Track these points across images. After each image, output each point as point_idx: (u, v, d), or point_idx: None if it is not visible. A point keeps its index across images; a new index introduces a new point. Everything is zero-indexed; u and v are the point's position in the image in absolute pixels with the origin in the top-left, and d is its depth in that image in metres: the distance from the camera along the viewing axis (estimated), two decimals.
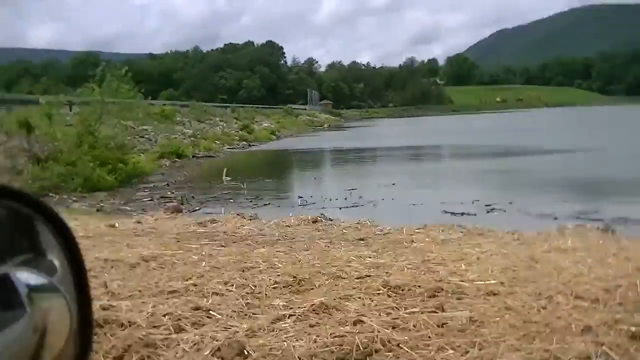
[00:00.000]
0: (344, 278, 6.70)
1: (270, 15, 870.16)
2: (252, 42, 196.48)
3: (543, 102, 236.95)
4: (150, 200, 19.69)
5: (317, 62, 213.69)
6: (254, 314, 5.55)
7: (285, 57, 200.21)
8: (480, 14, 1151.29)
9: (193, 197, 19.73)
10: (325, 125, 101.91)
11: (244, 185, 22.26)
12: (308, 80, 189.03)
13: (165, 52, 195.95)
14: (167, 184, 23.80)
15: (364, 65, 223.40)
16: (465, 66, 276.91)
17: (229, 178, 24.29)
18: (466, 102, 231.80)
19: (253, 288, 6.29)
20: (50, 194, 20.02)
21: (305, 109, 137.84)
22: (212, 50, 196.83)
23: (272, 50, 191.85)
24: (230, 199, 19.52)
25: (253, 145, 49.24)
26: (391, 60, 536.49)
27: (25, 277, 0.90)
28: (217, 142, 44.30)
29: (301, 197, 18.75)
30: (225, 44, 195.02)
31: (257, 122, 71.05)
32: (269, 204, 18.12)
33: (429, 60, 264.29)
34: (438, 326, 5.01)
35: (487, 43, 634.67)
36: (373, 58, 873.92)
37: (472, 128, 71.75)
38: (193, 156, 35.12)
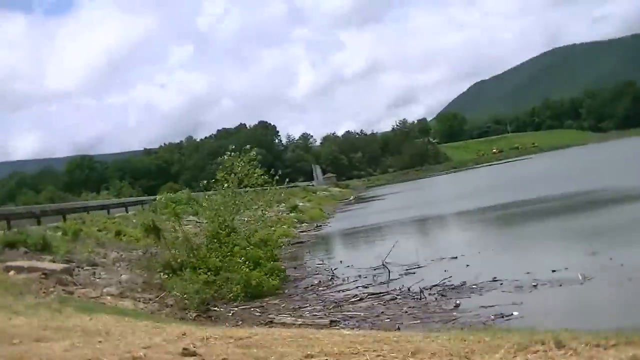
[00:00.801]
0: None
1: (248, 96, 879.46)
2: (245, 125, 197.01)
3: (538, 148, 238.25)
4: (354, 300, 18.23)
5: (311, 136, 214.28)
6: None
7: (279, 135, 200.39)
8: (454, 69, 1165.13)
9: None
10: (351, 198, 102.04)
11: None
12: (306, 156, 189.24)
13: (159, 146, 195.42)
14: (332, 279, 22.20)
15: (357, 133, 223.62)
16: (455, 122, 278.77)
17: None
18: (463, 158, 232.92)
19: None
20: (214, 308, 18.41)
21: (313, 185, 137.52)
22: (205, 137, 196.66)
23: (266, 130, 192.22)
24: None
25: (320, 225, 48.16)
26: (373, 126, 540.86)
27: None
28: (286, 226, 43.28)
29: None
30: (218, 130, 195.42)
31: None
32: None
33: (418, 120, 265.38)
34: None
35: (467, 96, 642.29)
36: (355, 126, 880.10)
37: (497, 183, 70.90)
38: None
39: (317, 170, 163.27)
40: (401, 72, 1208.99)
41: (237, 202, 25.07)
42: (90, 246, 23.13)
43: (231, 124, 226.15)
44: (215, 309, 18.41)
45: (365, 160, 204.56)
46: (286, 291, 20.78)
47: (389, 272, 21.19)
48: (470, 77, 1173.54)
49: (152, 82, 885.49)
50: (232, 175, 25.36)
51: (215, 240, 22.33)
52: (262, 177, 26.48)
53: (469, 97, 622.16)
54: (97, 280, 18.38)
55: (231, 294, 19.28)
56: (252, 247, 22.31)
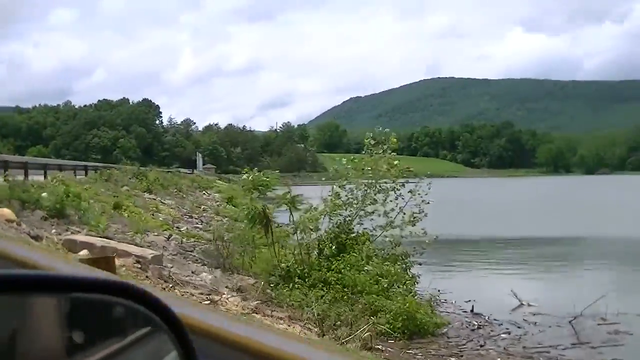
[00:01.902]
0: None
1: (125, 71, 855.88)
2: (128, 100, 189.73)
3: (413, 173, 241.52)
4: None
5: (194, 123, 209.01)
6: None
7: (161, 116, 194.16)
8: (333, 82, 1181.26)
9: None
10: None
11: None
12: (185, 143, 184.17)
13: (33, 106, 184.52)
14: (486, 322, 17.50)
15: (239, 128, 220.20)
16: (336, 132, 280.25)
17: None
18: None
19: None
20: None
21: (193, 173, 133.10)
22: (85, 105, 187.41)
23: (148, 109, 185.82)
24: None
25: None
26: (243, 123, 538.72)
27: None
28: None
29: None
30: (99, 100, 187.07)
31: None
32: None
33: (299, 125, 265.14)
34: None
35: (340, 109, 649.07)
36: (225, 120, 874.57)
37: None
38: None
39: (200, 159, 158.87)
40: (280, 74, 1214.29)
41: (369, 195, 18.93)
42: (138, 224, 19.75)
43: (103, 95, 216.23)
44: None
45: (243, 156, 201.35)
46: (444, 331, 16.04)
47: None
48: (347, 92, 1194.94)
49: (25, 39, 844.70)
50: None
51: (332, 244, 17.86)
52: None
53: (343, 111, 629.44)
54: (179, 275, 14.55)
55: (384, 327, 14.42)
56: (388, 261, 17.66)
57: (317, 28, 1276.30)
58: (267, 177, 19.39)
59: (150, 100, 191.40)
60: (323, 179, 30.00)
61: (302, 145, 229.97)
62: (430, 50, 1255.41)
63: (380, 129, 22.01)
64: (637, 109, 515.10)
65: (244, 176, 20.27)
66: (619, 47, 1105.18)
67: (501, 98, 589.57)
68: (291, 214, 18.67)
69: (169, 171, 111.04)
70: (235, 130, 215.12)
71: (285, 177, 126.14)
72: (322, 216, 18.78)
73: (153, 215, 28.10)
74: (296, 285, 15.93)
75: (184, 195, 48.68)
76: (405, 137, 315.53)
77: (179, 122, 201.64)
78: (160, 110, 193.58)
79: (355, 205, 19.10)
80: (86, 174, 42.83)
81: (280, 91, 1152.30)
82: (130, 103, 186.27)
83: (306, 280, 16.44)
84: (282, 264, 17.13)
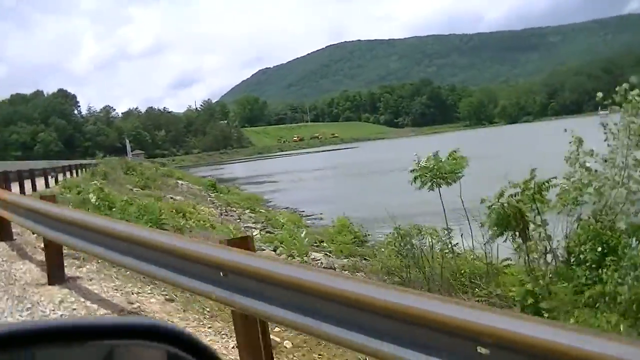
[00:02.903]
0: None
1: (22, 62, 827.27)
2: (42, 92, 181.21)
3: (338, 138, 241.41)
4: None
5: (114, 109, 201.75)
6: None
7: (79, 106, 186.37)
8: (240, 55, 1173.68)
9: None
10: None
11: None
12: (107, 130, 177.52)
13: None
14: None
15: (160, 110, 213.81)
16: (256, 106, 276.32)
17: None
18: (265, 143, 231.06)
19: None
20: None
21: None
22: None
23: (65, 99, 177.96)
24: None
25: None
26: (154, 104, 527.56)
27: None
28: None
29: None
30: (11, 95, 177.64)
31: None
32: None
33: (217, 101, 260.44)
34: None
35: (250, 83, 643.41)
36: (136, 103, 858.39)
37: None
38: None
39: (129, 146, 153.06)
40: (186, 53, 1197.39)
41: None
42: None
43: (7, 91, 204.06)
44: None
45: (168, 139, 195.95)
46: None
47: None
48: (255, 64, 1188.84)
49: None
50: None
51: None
52: None
53: (253, 84, 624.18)
54: None
55: None
56: None
57: (219, 3, 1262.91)
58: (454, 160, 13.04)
59: (66, 91, 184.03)
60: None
61: (225, 122, 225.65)
62: (334, 15, 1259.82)
63: None
64: (542, 56, 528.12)
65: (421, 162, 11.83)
66: None
67: (409, 57, 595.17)
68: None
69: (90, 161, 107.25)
70: (156, 112, 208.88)
71: (213, 155, 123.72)
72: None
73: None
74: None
75: (180, 190, 44.99)
76: (325, 103, 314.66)
77: (98, 110, 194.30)
78: (78, 99, 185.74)
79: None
80: (70, 175, 39.16)
81: (187, 70, 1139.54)
82: (45, 95, 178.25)
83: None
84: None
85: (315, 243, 18.03)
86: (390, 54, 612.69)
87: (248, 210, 29.84)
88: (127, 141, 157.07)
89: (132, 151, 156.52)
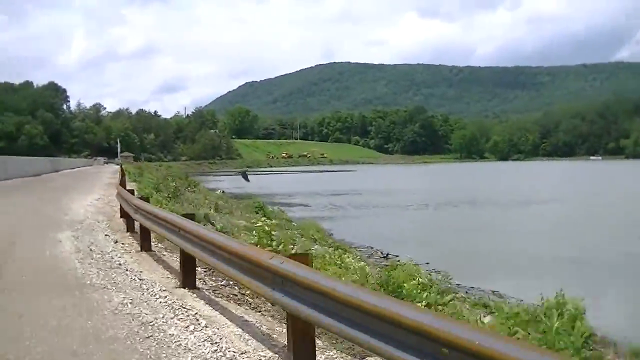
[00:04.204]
0: None
1: (9, 55, 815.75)
2: (32, 83, 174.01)
3: (328, 159, 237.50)
4: None
5: (104, 107, 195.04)
6: None
7: (69, 101, 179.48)
8: (228, 66, 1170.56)
9: None
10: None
11: None
12: (95, 129, 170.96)
13: None
14: None
15: (151, 113, 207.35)
16: (247, 118, 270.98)
17: None
18: (254, 157, 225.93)
19: None
20: None
21: (115, 162, 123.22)
22: None
23: (55, 93, 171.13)
24: None
25: None
26: (138, 107, 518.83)
27: None
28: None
29: None
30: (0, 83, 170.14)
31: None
32: None
33: (208, 110, 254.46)
34: None
35: (236, 94, 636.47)
36: (120, 104, 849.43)
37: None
38: None
39: (119, 147, 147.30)
40: (175, 58, 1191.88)
41: None
42: None
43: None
44: None
45: (157, 143, 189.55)
46: None
47: None
48: (243, 76, 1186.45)
49: None
50: None
51: None
52: None
53: (239, 95, 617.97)
54: None
55: None
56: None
57: (213, 11, 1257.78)
58: None
59: (57, 84, 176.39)
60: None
61: (215, 131, 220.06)
62: (325, 35, 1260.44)
63: None
64: (530, 95, 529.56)
65: None
66: (511, 33, 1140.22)
67: (397, 83, 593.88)
68: None
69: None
70: (147, 115, 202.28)
71: (202, 164, 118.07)
72: None
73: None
74: None
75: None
76: (316, 122, 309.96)
77: (87, 107, 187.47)
78: (68, 94, 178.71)
79: None
80: None
81: (174, 75, 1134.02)
82: (35, 87, 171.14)
83: None
84: None
85: None
86: (379, 78, 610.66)
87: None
88: (118, 142, 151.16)
89: (121, 152, 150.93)
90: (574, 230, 35.49)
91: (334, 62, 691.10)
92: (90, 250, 12.71)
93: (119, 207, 22.88)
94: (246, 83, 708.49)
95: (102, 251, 12.57)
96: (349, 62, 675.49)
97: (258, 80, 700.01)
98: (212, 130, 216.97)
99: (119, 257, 12.01)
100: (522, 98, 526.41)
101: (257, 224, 14.55)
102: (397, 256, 24.99)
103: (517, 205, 51.79)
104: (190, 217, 10.00)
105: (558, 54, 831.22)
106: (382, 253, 26.55)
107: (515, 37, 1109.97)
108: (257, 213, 32.38)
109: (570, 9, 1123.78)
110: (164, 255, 12.58)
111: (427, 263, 22.09)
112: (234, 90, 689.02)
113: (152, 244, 13.02)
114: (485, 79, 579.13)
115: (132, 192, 17.02)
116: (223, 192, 50.39)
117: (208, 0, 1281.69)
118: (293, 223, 30.91)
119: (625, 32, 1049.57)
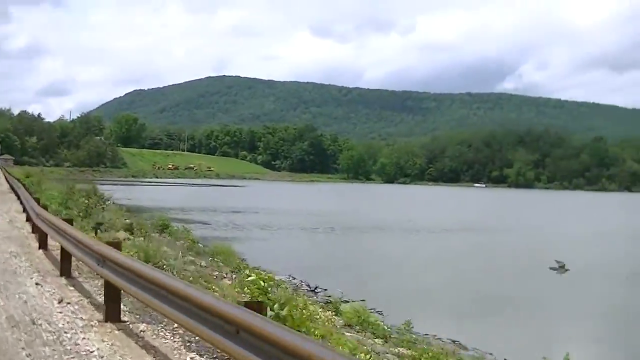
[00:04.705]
0: None
1: None
2: None
3: (214, 173, 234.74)
4: None
5: None
6: None
7: None
8: (118, 72, 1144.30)
9: None
10: None
11: None
12: None
13: None
14: None
15: (34, 116, 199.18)
16: (135, 127, 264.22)
17: None
18: (139, 167, 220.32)
19: None
20: None
21: None
22: None
23: None
24: None
25: None
26: (19, 108, 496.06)
27: None
28: None
29: None
30: None
31: None
32: None
33: (94, 116, 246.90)
34: None
35: (122, 102, 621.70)
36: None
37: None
38: None
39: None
40: (62, 61, 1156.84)
41: None
42: None
43: None
44: None
45: (39, 147, 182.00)
46: None
47: None
48: (130, 84, 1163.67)
49: None
50: None
51: None
52: None
53: (125, 103, 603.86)
54: None
55: None
56: None
57: (108, 17, 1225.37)
58: None
59: None
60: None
61: (101, 138, 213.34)
62: (218, 47, 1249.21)
63: None
64: (416, 120, 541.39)
65: None
66: (402, 58, 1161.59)
67: (286, 100, 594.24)
68: None
69: None
70: (30, 117, 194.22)
71: (85, 171, 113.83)
72: None
73: None
74: None
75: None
76: (204, 134, 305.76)
77: None
78: None
79: None
80: None
81: (60, 79, 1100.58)
82: None
83: None
84: None
85: None
86: (268, 94, 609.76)
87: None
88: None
89: (0, 155, 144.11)
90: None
91: (225, 76, 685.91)
92: (33, 322, 8.65)
93: (28, 228, 20.02)
94: (134, 91, 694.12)
95: (49, 323, 8.63)
96: (239, 76, 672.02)
97: (146, 89, 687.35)
98: (97, 137, 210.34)
99: (82, 338, 7.97)
100: (407, 122, 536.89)
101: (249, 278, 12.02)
102: (325, 289, 23.51)
103: (426, 232, 51.65)
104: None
105: (446, 82, 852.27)
106: (308, 285, 25.03)
107: (406, 63, 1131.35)
108: (163, 232, 29.74)
109: (460, 40, 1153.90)
110: (143, 328, 8.62)
111: (363, 300, 20.64)
112: (120, 97, 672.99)
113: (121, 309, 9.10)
114: (373, 101, 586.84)
115: (69, 221, 12.93)
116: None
117: (104, 5, 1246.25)
118: (199, 244, 28.59)
119: (510, 65, 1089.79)
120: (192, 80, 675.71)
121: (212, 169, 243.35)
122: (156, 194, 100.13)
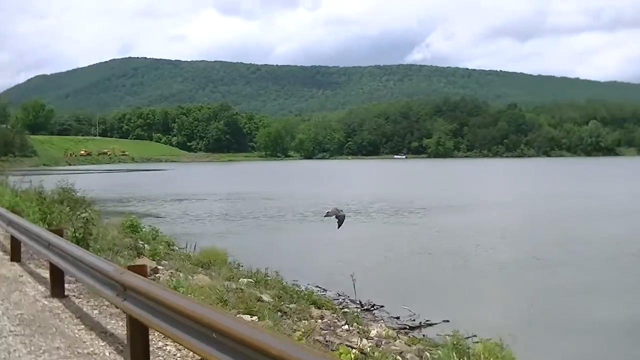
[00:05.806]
0: None
1: None
2: None
3: (129, 157, 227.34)
4: None
5: None
6: None
7: None
8: (19, 57, 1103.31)
9: None
10: None
11: None
12: None
13: None
14: None
15: None
16: (42, 113, 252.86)
17: None
18: (50, 154, 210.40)
19: None
20: None
21: None
22: None
23: None
24: None
25: None
26: None
27: None
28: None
29: None
30: None
31: None
32: None
33: None
34: None
35: (24, 88, 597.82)
36: None
37: None
38: None
39: None
40: None
41: None
42: None
43: None
44: None
45: None
46: None
47: None
48: (32, 70, 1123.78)
49: None
50: None
51: None
52: None
53: (28, 89, 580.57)
54: None
55: None
56: None
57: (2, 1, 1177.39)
58: None
59: None
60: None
61: (7, 126, 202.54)
62: (123, 30, 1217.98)
63: None
64: (326, 94, 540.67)
65: None
66: (310, 34, 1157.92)
67: (194, 80, 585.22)
68: None
69: None
70: None
71: None
72: None
73: None
74: None
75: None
76: (115, 118, 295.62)
77: None
78: None
79: None
80: None
81: None
82: None
83: None
84: None
85: None
86: (175, 75, 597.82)
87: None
88: None
89: None
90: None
91: (130, 57, 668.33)
92: None
93: None
94: (37, 76, 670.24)
95: None
96: (145, 57, 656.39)
97: (49, 74, 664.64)
98: (3, 125, 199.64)
99: None
100: (318, 97, 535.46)
101: None
102: (382, 306, 18.75)
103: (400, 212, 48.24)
104: None
105: (354, 55, 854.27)
106: (357, 302, 18.17)
107: (314, 38, 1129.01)
108: (133, 234, 23.97)
109: (366, 13, 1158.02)
110: None
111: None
112: (22, 84, 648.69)
113: None
114: (283, 78, 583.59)
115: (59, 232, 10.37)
116: None
117: None
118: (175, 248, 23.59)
119: (417, 37, 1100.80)
120: (97, 64, 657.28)
121: (126, 153, 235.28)
122: (75, 183, 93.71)
